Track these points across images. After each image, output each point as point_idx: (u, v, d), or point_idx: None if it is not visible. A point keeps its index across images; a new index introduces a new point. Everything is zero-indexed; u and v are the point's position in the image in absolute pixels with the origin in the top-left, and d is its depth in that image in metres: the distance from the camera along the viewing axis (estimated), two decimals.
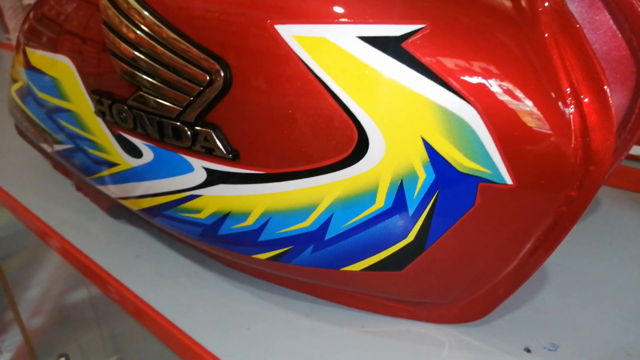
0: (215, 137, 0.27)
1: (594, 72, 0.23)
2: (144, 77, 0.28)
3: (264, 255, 0.31)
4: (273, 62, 0.24)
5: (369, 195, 0.26)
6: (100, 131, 0.34)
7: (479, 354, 0.30)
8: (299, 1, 0.24)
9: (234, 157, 0.27)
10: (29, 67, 0.41)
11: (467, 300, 0.30)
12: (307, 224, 0.28)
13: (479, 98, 0.23)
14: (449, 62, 0.23)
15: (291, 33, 0.24)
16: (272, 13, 0.24)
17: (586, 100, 0.23)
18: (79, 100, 0.35)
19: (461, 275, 0.29)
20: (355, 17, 0.23)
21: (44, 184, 0.54)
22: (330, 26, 0.23)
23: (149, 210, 0.35)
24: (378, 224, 0.26)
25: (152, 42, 0.27)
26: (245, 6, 0.24)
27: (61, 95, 0.37)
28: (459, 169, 0.24)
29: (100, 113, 0.32)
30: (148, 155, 0.31)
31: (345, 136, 0.24)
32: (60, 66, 0.35)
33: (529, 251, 0.27)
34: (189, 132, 0.27)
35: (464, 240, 0.27)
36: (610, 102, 0.23)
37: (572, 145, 0.24)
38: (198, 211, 0.31)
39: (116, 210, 0.46)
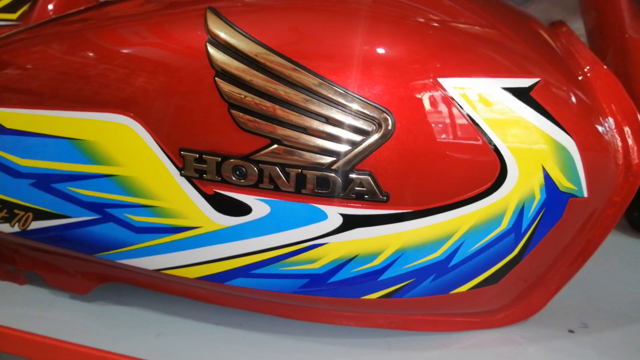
0: (372, 182, 0.28)
1: (634, 116, 0.33)
2: (290, 130, 0.28)
3: (376, 295, 0.32)
4: (436, 110, 0.28)
5: (498, 219, 0.30)
6: (173, 194, 0.31)
7: (548, 345, 0.36)
8: (459, 59, 0.28)
9: (387, 199, 0.29)
10: (3, 131, 0.35)
11: (526, 301, 0.37)
12: (438, 254, 0.31)
13: (576, 134, 0.30)
14: (558, 106, 0.30)
15: (452, 85, 0.28)
16: (436, 68, 0.27)
17: (629, 134, 0.33)
18: (142, 163, 0.31)
19: (535, 278, 0.35)
20: (498, 73, 0.28)
21: None
22: (482, 79, 0.28)
23: (224, 275, 0.33)
24: (498, 243, 0.31)
25: (304, 95, 0.27)
26: (410, 63, 0.27)
27: (94, 160, 0.32)
28: (561, 188, 0.31)
29: (196, 172, 0.30)
30: (261, 210, 0.30)
31: (490, 169, 0.29)
32: (103, 126, 0.31)
33: (583, 246, 0.35)
34: (341, 180, 0.28)
35: (547, 247, 0.33)
36: None
37: (621, 164, 0.33)
38: (313, 261, 0.31)
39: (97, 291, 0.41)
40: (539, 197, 0.30)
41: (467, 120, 0.28)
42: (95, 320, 0.40)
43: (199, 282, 0.34)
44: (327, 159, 0.28)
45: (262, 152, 0.28)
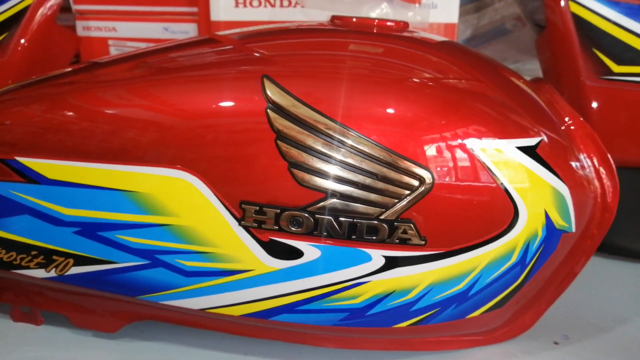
0: (414, 229, 0.33)
1: (606, 159, 0.39)
2: (345, 186, 0.32)
3: (406, 323, 0.37)
4: (465, 167, 0.33)
5: (509, 255, 0.36)
6: (229, 241, 0.34)
7: (540, 356, 0.42)
8: (483, 123, 0.33)
9: (425, 243, 0.33)
10: (45, 181, 0.36)
11: (521, 319, 0.43)
12: (461, 286, 0.36)
13: (568, 179, 0.37)
14: (554, 157, 0.36)
15: (479, 146, 0.33)
16: (465, 132, 0.33)
17: (604, 175, 0.39)
18: (199, 214, 0.34)
19: (528, 300, 0.41)
20: (512, 135, 0.34)
21: None
22: (502, 140, 0.34)
23: (269, 312, 0.36)
24: (507, 274, 0.37)
25: (358, 156, 0.32)
26: (445, 128, 0.32)
27: (148, 211, 0.34)
28: (557, 226, 0.37)
29: (255, 222, 0.33)
30: (312, 254, 0.34)
31: (506, 215, 0.35)
32: (161, 180, 0.34)
33: (568, 271, 0.41)
34: (387, 228, 0.33)
35: (542, 275, 0.39)
36: (616, 177, 0.40)
37: (599, 201, 0.39)
38: (355, 297, 0.35)
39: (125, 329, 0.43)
40: (540, 235, 0.36)
41: (489, 175, 0.33)
42: (128, 357, 0.41)
43: (241, 319, 0.37)
44: (377, 210, 0.32)
45: (319, 205, 0.32)
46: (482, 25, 0.77)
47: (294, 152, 0.32)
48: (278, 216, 0.33)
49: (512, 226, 0.35)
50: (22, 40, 0.66)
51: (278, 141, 0.32)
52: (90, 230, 0.36)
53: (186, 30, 0.69)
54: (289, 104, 0.32)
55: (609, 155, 0.39)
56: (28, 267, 0.39)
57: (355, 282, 0.34)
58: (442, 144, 0.33)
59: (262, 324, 0.38)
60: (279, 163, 0.32)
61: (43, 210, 0.37)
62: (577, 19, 0.55)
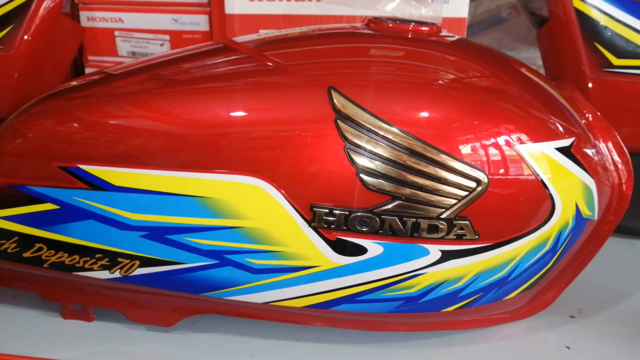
0: (470, 226, 0.36)
1: (622, 151, 0.43)
2: (410, 190, 0.35)
3: (453, 307, 0.41)
4: (514, 168, 0.36)
5: (544, 243, 0.40)
6: (298, 241, 0.37)
7: (560, 329, 0.47)
8: (528, 128, 0.37)
9: (478, 237, 0.37)
10: (111, 188, 0.38)
11: (543, 297, 0.47)
12: (503, 273, 0.40)
13: (594, 173, 0.41)
14: (583, 154, 0.40)
15: (526, 150, 0.36)
16: (515, 137, 0.36)
17: (620, 166, 0.44)
18: (270, 216, 0.36)
19: (552, 280, 0.46)
20: (553, 137, 0.38)
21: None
22: (544, 143, 0.37)
23: (330, 302, 0.39)
24: (541, 260, 0.41)
25: (423, 162, 0.35)
26: (498, 134, 0.36)
27: (219, 215, 0.37)
28: (583, 216, 0.41)
29: (324, 224, 0.36)
30: (375, 250, 0.37)
31: (545, 209, 0.38)
32: (233, 186, 0.36)
33: (586, 254, 0.46)
34: (447, 226, 0.36)
35: (568, 257, 0.44)
36: (631, 167, 0.44)
37: (616, 190, 0.44)
38: (411, 287, 0.39)
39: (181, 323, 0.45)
40: (570, 224, 0.41)
41: (534, 174, 0.37)
42: (187, 349, 0.44)
43: (302, 310, 0.40)
44: (438, 210, 0.36)
45: (385, 207, 0.35)
46: (479, 13, 0.80)
47: (362, 159, 0.35)
48: (346, 218, 0.36)
49: (549, 218, 0.39)
50: (28, 34, 0.65)
51: (348, 149, 0.35)
52: (158, 233, 0.38)
53: (196, 22, 0.69)
54: (355, 114, 0.35)
55: (624, 147, 0.43)
56: (91, 270, 0.41)
57: (413, 274, 0.38)
58: (495, 147, 0.36)
59: (321, 314, 0.41)
60: (348, 169, 0.35)
61: (109, 216, 0.38)
62: (580, 14, 0.59)
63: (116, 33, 0.72)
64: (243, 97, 0.37)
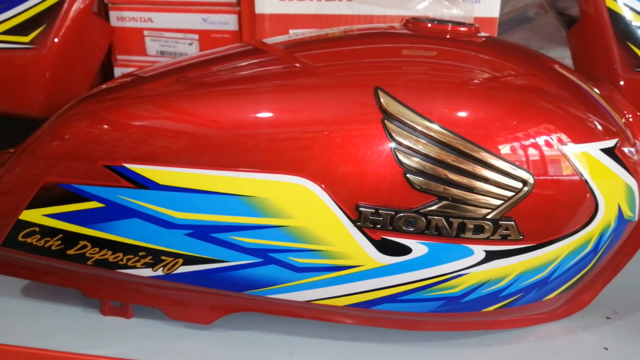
0: (515, 226, 0.36)
1: None
2: (457, 190, 0.35)
3: (493, 307, 0.41)
4: (559, 169, 0.36)
5: (586, 244, 0.40)
6: (343, 240, 0.37)
7: (597, 330, 0.47)
8: (572, 129, 0.37)
9: (523, 238, 0.37)
10: (156, 187, 0.38)
11: (580, 297, 0.47)
12: (544, 273, 0.40)
13: (636, 173, 0.41)
14: (626, 155, 0.40)
15: (570, 150, 0.36)
16: (559, 139, 0.36)
17: None
18: (315, 216, 0.36)
19: (589, 281, 0.45)
20: (598, 138, 0.38)
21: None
22: (587, 144, 0.37)
23: (372, 302, 0.39)
24: (582, 261, 0.41)
25: (471, 163, 0.35)
26: (544, 135, 0.36)
27: (264, 214, 0.37)
28: (625, 217, 0.41)
29: (370, 223, 0.36)
30: (420, 250, 0.37)
31: (589, 210, 0.38)
32: (279, 186, 0.36)
33: (624, 255, 0.46)
34: (492, 226, 0.36)
35: (607, 258, 0.44)
36: None
37: None
38: (454, 287, 0.39)
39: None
40: (612, 225, 0.40)
41: (578, 175, 0.37)
42: (226, 346, 0.44)
43: (343, 309, 0.41)
44: (485, 211, 0.36)
45: (431, 208, 0.35)
46: (506, 12, 0.80)
47: (409, 159, 0.35)
48: (392, 218, 0.36)
49: (592, 219, 0.39)
50: (59, 34, 0.66)
51: (395, 149, 0.35)
52: (203, 232, 0.39)
53: (226, 21, 0.69)
54: (402, 114, 0.35)
55: None
56: (134, 267, 0.41)
57: (457, 274, 0.38)
58: (541, 149, 0.36)
59: (362, 313, 0.41)
60: (395, 169, 0.35)
61: (153, 214, 0.39)
62: (613, 13, 0.59)
63: (145, 32, 0.72)
64: (287, 99, 0.38)
